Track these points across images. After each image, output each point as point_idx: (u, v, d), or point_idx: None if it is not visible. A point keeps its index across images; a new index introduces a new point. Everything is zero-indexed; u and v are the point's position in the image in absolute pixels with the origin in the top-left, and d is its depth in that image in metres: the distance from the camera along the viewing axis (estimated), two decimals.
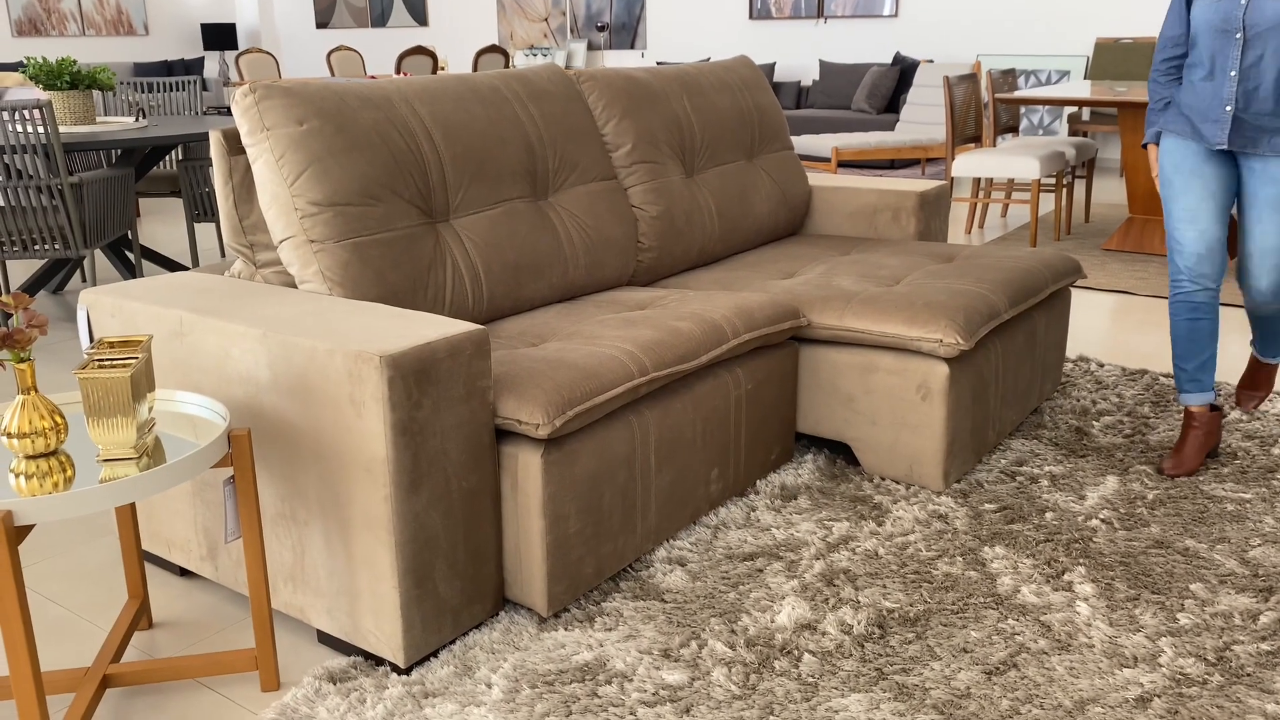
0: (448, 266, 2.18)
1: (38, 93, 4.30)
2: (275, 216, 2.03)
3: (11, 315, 1.70)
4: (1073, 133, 7.78)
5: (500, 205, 2.34)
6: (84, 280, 4.97)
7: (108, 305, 2.02)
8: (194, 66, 11.61)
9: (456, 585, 1.83)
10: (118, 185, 4.01)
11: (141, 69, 11.17)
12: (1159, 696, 1.70)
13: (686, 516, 2.24)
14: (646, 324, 2.17)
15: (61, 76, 4.20)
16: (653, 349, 2.06)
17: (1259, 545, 2.18)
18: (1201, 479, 2.49)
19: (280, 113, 2.03)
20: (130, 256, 4.72)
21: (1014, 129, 5.95)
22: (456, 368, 1.73)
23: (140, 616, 1.94)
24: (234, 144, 2.13)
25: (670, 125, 2.87)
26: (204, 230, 6.23)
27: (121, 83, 5.82)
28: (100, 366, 1.57)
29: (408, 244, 2.12)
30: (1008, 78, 5.84)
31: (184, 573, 2.18)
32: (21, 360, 1.54)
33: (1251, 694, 1.70)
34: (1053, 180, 7.17)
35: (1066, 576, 2.06)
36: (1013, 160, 5.15)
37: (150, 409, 1.64)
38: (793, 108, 9.18)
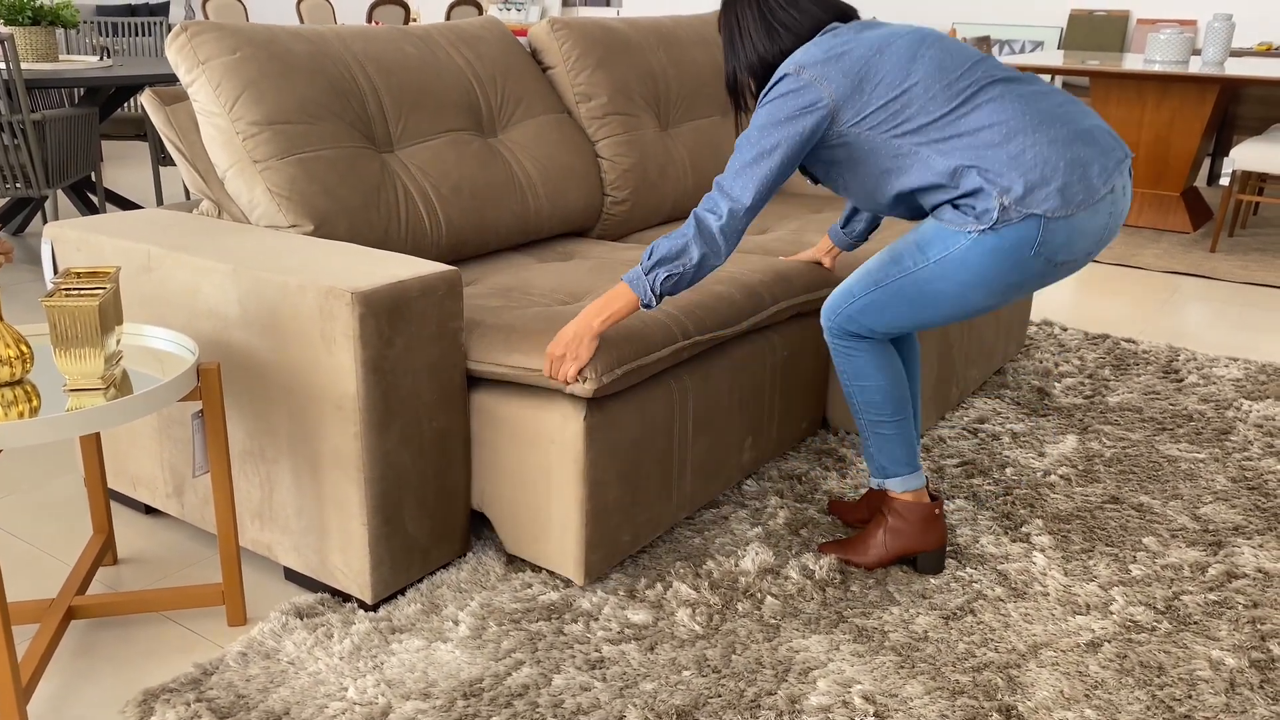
0: (397, 188, 2.17)
1: None
2: (219, 148, 2.03)
3: None
4: None
5: (443, 135, 2.33)
6: (45, 222, 4.89)
7: (73, 239, 2.00)
8: (159, 10, 11.34)
9: (425, 525, 1.84)
10: (81, 124, 3.93)
11: (104, 10, 10.90)
12: (1109, 641, 1.75)
13: (719, 485, 2.16)
14: None
15: (23, 11, 4.09)
16: (693, 312, 1.97)
17: (1211, 502, 2.24)
18: (1157, 439, 2.55)
19: (213, 45, 2.04)
20: (94, 199, 4.64)
21: None
22: (429, 307, 1.73)
23: (105, 552, 1.93)
24: (167, 98, 2.15)
25: (645, 77, 2.86)
26: (169, 174, 6.13)
27: (84, 22, 5.69)
28: (68, 295, 1.55)
29: (353, 162, 2.10)
30: (983, 44, 5.86)
31: (149, 510, 2.17)
32: None
33: (1197, 640, 1.76)
34: None
35: (1024, 529, 2.11)
36: None
37: (118, 341, 1.62)
38: None
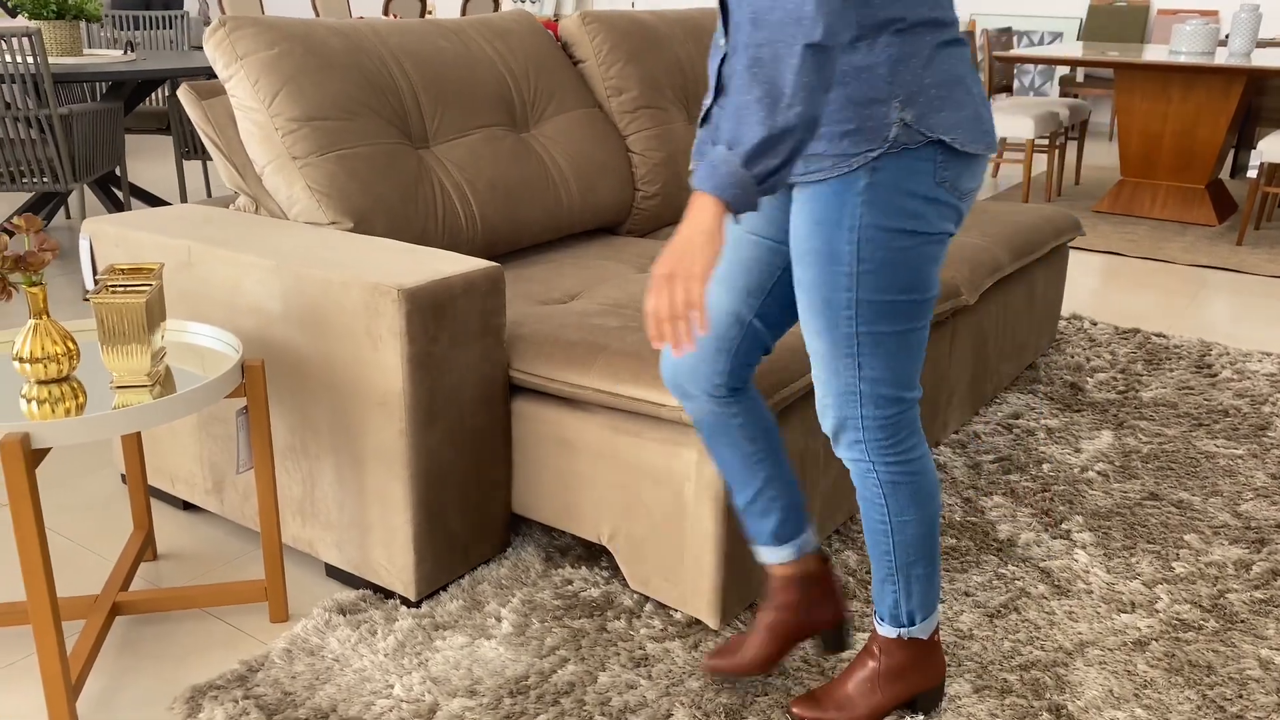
0: (434, 183, 2.16)
1: (24, 23, 4.20)
2: (258, 143, 2.03)
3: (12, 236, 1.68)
4: (1064, 95, 7.77)
5: (478, 131, 2.32)
6: (68, 217, 4.90)
7: (111, 235, 2.00)
8: (173, 3, 11.35)
9: (467, 521, 1.83)
10: (107, 118, 3.94)
11: (119, 2, 10.92)
12: (1156, 640, 1.73)
13: (843, 514, 2.06)
14: None
15: (47, 5, 4.10)
16: None
17: (1251, 499, 2.22)
18: (1194, 435, 2.53)
19: (251, 41, 2.04)
20: (118, 194, 4.65)
21: (1008, 89, 5.94)
22: (472, 304, 1.72)
23: (146, 548, 1.94)
24: (203, 92, 2.14)
25: (674, 70, 2.85)
26: (192, 168, 6.14)
27: (104, 15, 5.68)
28: (114, 292, 1.55)
29: (391, 158, 2.10)
30: (1004, 36, 5.82)
31: (187, 506, 2.17)
32: (34, 284, 1.52)
33: (1246, 639, 1.74)
34: (1046, 141, 7.17)
35: (1064, 525, 2.09)
36: (1007, 119, 5.15)
37: (162, 337, 1.62)
38: None
